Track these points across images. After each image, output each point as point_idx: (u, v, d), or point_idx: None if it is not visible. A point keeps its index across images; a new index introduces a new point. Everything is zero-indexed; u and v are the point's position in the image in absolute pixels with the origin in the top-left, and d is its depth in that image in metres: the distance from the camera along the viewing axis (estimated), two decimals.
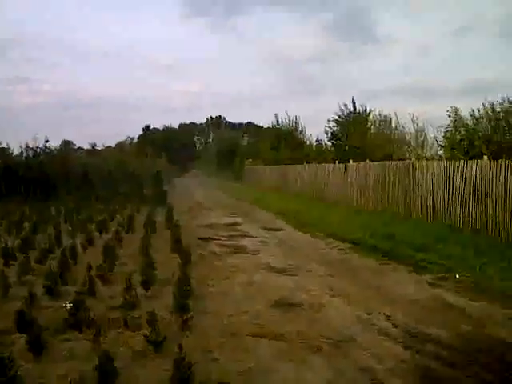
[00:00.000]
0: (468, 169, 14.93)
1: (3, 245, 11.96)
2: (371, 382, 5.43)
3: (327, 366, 5.85)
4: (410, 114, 29.42)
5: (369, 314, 7.97)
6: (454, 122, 20.09)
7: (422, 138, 28.21)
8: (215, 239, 16.02)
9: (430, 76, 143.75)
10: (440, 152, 23.07)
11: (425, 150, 27.20)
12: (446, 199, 15.84)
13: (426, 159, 19.93)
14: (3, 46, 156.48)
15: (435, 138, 24.28)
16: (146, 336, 6.21)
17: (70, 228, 16.36)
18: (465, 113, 20.25)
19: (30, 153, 36.53)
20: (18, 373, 4.32)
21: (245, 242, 15.63)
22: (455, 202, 15.40)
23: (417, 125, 28.47)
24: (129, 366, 5.70)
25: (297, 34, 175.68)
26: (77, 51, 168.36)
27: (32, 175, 32.19)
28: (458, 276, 10.33)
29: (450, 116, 20.25)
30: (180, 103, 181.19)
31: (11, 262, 11.36)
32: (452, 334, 7.01)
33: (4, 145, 37.53)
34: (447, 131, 20.63)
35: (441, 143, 22.31)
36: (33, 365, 5.71)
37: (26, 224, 17.96)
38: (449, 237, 13.48)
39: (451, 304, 8.55)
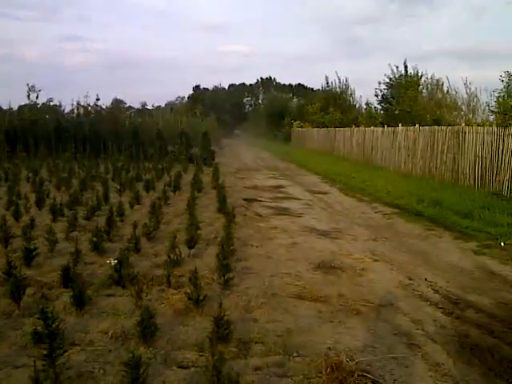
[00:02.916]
0: None
1: (52, 201, 12.20)
2: (409, 347, 5.41)
3: (366, 329, 5.84)
4: (462, 78, 28.69)
5: (411, 279, 7.92)
6: (506, 87, 19.45)
7: (473, 103, 27.47)
8: (260, 200, 16.10)
9: (483, 39, 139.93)
10: (491, 118, 22.43)
11: (476, 116, 26.50)
12: (495, 167, 15.44)
13: (478, 125, 19.36)
14: (57, 3, 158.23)
15: (487, 103, 23.62)
16: (187, 294, 6.28)
17: (117, 186, 16.58)
18: None
19: (81, 111, 37.21)
20: (60, 327, 4.42)
21: (289, 204, 15.66)
22: (504, 169, 14.98)
23: (469, 89, 27.70)
24: (169, 323, 5.79)
25: None
26: (128, 10, 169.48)
27: (82, 133, 32.75)
28: (503, 244, 10.15)
29: (502, 81, 19.65)
30: (229, 64, 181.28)
31: (59, 218, 11.63)
32: (494, 302, 6.94)
33: (56, 102, 38.37)
34: (499, 96, 19.98)
35: (492, 109, 21.67)
36: (75, 319, 5.85)
37: (75, 181, 18.32)
38: (496, 205, 13.20)
39: (495, 272, 8.46)
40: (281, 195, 17.62)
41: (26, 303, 6.21)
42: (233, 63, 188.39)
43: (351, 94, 49.08)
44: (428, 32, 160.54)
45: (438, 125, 21.87)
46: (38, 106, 35.62)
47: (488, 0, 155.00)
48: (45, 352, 4.27)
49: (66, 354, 4.57)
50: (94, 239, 8.83)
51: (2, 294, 6.44)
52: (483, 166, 16.10)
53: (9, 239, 9.11)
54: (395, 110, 30.38)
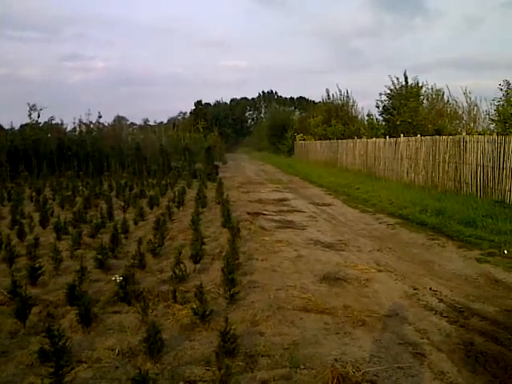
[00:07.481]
0: None
1: (56, 219, 12.24)
2: (415, 356, 5.40)
3: (372, 340, 5.84)
4: (461, 87, 28.73)
5: (415, 289, 7.94)
6: (506, 96, 19.46)
7: (474, 112, 27.52)
8: (264, 214, 16.08)
9: (480, 49, 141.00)
10: (492, 126, 22.41)
11: (477, 125, 26.53)
12: (497, 175, 15.42)
13: (478, 134, 19.38)
14: (58, 24, 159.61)
15: (487, 112, 23.66)
16: (193, 309, 6.29)
17: (121, 203, 16.61)
18: None
19: (84, 128, 37.45)
20: (67, 344, 4.44)
21: (293, 217, 15.67)
22: (506, 177, 14.94)
23: (470, 98, 27.78)
24: (176, 338, 5.80)
25: (345, 8, 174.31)
26: (129, 28, 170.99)
27: (85, 150, 32.87)
28: (506, 252, 10.16)
29: (501, 89, 19.65)
30: (231, 78, 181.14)
31: (63, 237, 11.65)
32: (498, 310, 6.95)
33: (58, 121, 38.58)
34: (499, 105, 19.98)
35: (492, 117, 21.66)
36: (82, 337, 5.86)
37: (79, 199, 18.36)
38: (498, 213, 13.18)
39: (498, 280, 8.47)
40: (285, 208, 17.62)
41: (31, 322, 6.22)
42: (234, 78, 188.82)
43: (353, 106, 49.06)
44: (426, 43, 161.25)
45: (440, 134, 21.88)
46: (40, 125, 35.78)
47: (484, 10, 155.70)
48: (52, 370, 4.29)
49: (73, 371, 4.59)
50: (99, 257, 8.85)
51: (7, 313, 6.45)
52: (485, 174, 16.08)
53: (13, 258, 9.11)
54: (397, 121, 30.34)
